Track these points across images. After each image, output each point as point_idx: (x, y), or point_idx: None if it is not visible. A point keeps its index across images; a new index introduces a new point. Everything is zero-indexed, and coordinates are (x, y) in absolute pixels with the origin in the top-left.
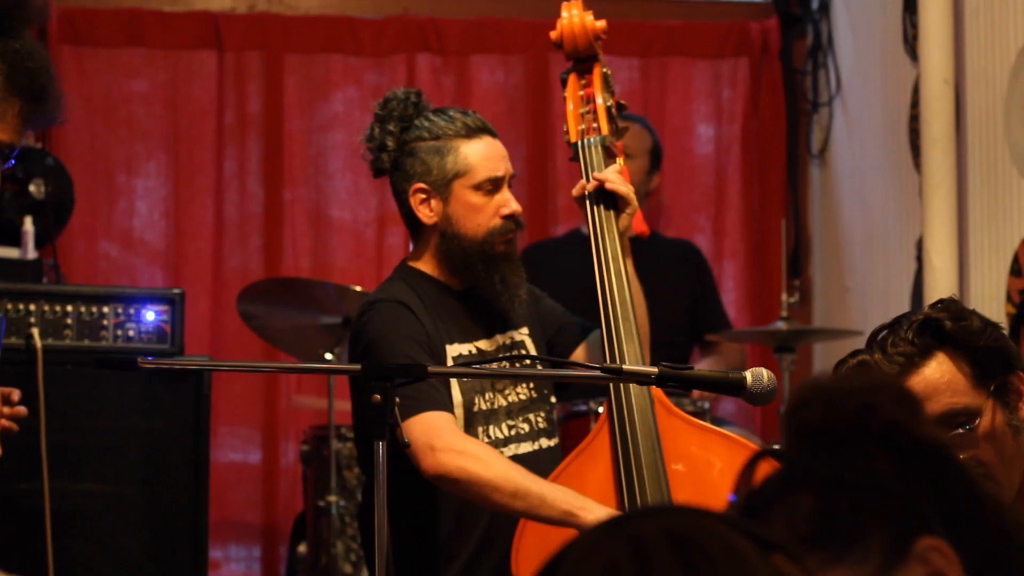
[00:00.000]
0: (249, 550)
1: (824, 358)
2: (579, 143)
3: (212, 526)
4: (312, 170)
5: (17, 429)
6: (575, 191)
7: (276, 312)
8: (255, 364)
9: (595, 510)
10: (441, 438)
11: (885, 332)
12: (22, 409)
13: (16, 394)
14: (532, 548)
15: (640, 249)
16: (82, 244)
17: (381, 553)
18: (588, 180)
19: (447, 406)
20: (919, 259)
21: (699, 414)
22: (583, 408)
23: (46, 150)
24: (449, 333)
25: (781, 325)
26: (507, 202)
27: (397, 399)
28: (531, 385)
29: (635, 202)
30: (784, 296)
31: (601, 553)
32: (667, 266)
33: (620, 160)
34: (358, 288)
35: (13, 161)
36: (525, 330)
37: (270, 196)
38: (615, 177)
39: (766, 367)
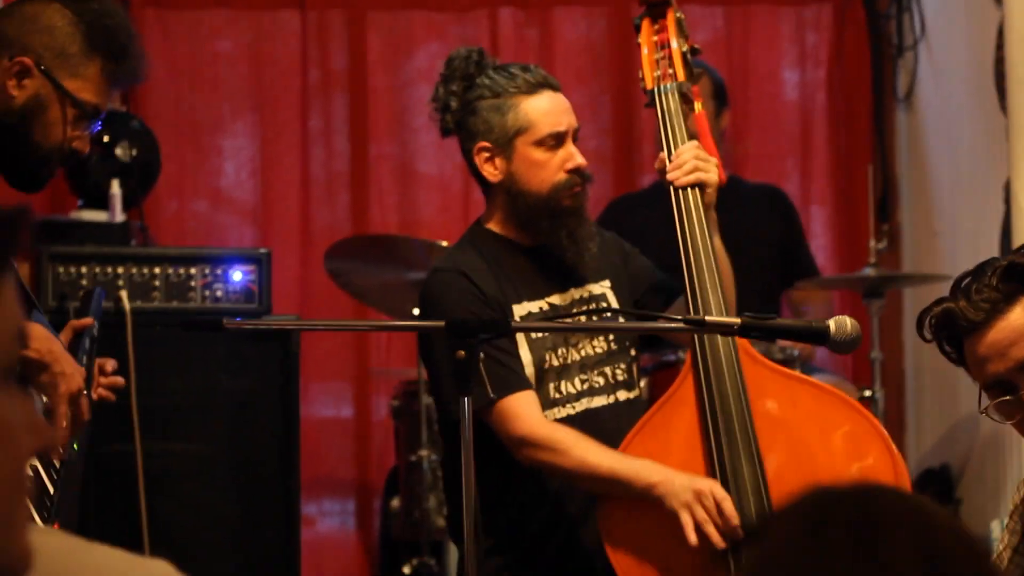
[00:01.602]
0: (343, 505)
1: (913, 303)
2: (655, 90)
3: (306, 482)
4: (397, 126)
5: (114, 399)
6: (657, 164)
7: (364, 269)
8: (336, 323)
9: (674, 480)
10: (518, 430)
11: (969, 279)
12: (119, 379)
13: (111, 364)
14: (614, 508)
15: (725, 196)
16: (170, 206)
17: (469, 510)
18: (664, 126)
19: (522, 383)
20: (1007, 202)
21: (787, 362)
22: (672, 358)
23: (132, 113)
24: (517, 293)
25: (870, 271)
26: (571, 156)
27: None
28: (609, 338)
29: (713, 178)
30: (872, 242)
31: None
32: (752, 213)
33: (698, 105)
34: (444, 243)
35: (100, 124)
36: (606, 283)
37: (356, 153)
38: (684, 170)
39: (855, 314)
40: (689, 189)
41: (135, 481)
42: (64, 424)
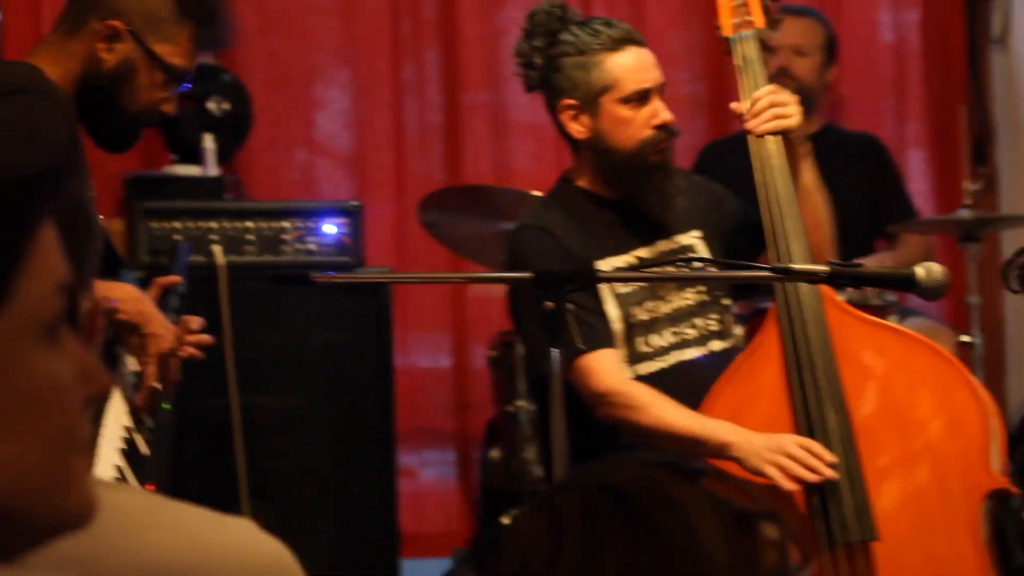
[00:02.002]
0: (443, 455)
1: (1012, 247)
2: (733, 38)
3: (405, 433)
4: (490, 75)
5: (202, 356)
6: (736, 110)
7: (457, 219)
8: (422, 275)
9: (751, 440)
10: (597, 386)
11: None
12: (206, 337)
13: (196, 322)
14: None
15: (821, 145)
16: (263, 159)
17: (559, 463)
18: (742, 76)
19: (603, 340)
20: None
21: (884, 308)
22: (767, 305)
23: (223, 67)
24: (603, 248)
25: (965, 213)
26: (657, 112)
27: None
28: (700, 288)
29: (793, 122)
30: (968, 184)
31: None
32: (847, 160)
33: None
34: (538, 193)
35: (189, 85)
36: (696, 233)
37: (449, 103)
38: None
39: (952, 258)
40: (770, 137)
41: (231, 436)
42: (155, 385)
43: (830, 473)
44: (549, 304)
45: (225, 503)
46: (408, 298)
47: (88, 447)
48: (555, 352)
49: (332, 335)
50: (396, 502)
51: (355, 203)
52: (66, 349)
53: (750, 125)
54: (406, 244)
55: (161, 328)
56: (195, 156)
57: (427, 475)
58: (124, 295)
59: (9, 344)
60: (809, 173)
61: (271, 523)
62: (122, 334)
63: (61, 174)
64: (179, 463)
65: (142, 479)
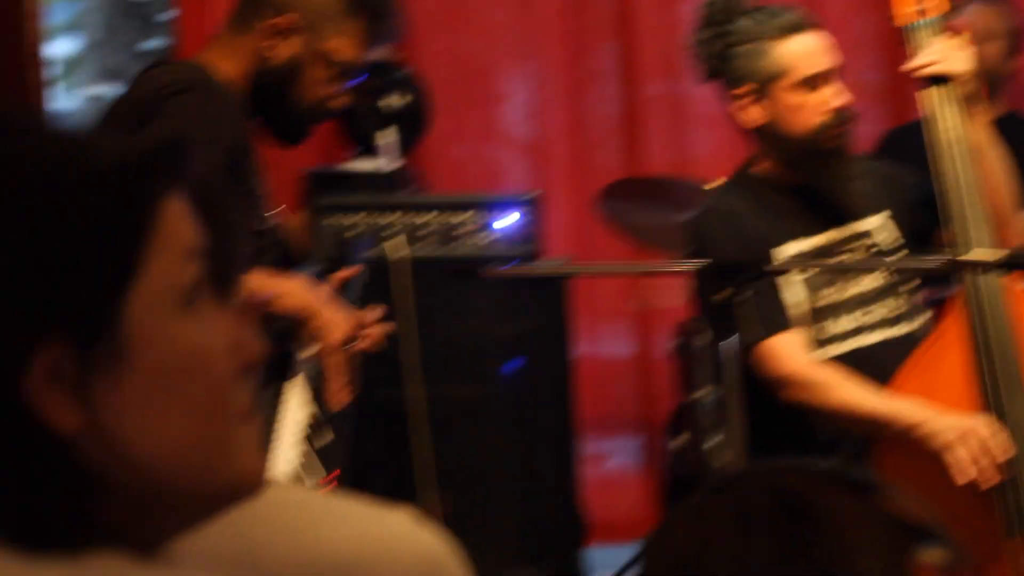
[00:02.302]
0: (630, 443)
1: None
2: (909, 27)
3: (591, 421)
4: (669, 66)
5: (381, 348)
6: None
7: (637, 210)
8: (593, 267)
9: (939, 419)
10: (780, 370)
11: None
12: (385, 327)
13: (374, 313)
14: (883, 451)
15: (1003, 130)
16: (443, 153)
17: (735, 451)
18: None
19: (785, 323)
20: None
21: None
22: (951, 293)
23: (402, 61)
24: (784, 233)
25: None
26: (832, 96)
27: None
28: (884, 274)
29: (957, 67)
30: None
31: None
32: None
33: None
34: (716, 183)
35: (359, 79)
36: (875, 219)
37: (628, 94)
38: (933, 58)
39: None
40: (934, 87)
41: (413, 428)
42: (336, 374)
43: (994, 480)
44: (722, 294)
45: (407, 494)
46: (593, 287)
47: (251, 416)
48: (731, 339)
49: (512, 326)
50: (578, 491)
51: (532, 194)
52: (210, 318)
53: (910, 66)
54: (586, 235)
55: (333, 320)
56: (375, 150)
57: (614, 463)
58: (295, 288)
59: (146, 316)
60: (982, 131)
61: (453, 513)
62: (296, 326)
63: (181, 152)
64: (361, 454)
65: (323, 468)
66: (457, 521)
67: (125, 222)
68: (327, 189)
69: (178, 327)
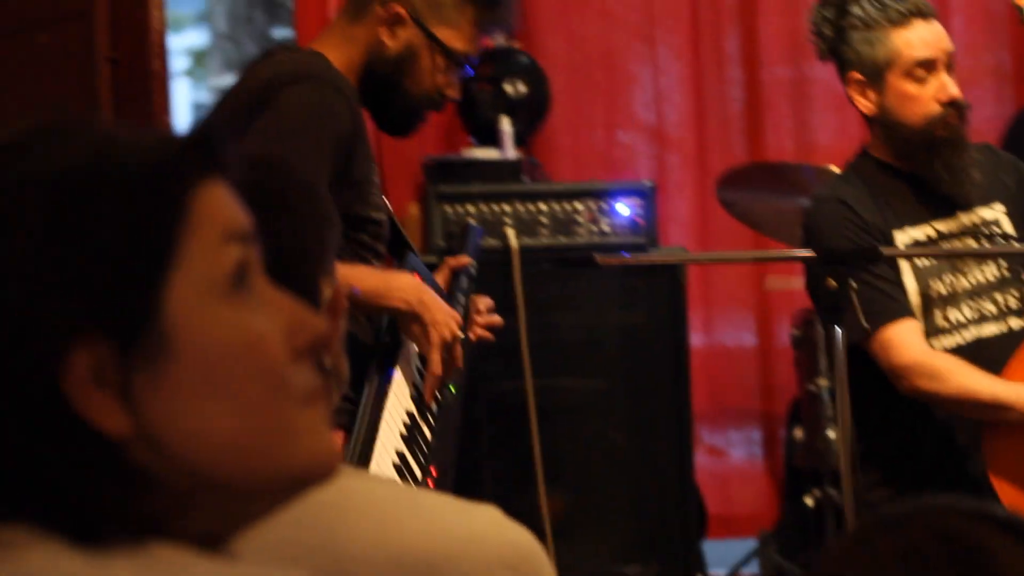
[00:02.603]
0: (749, 435)
1: None
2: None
3: (711, 413)
4: (792, 50)
5: (492, 338)
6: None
7: (758, 197)
8: (706, 255)
9: None
10: (899, 359)
11: None
12: (496, 318)
13: (485, 303)
14: (999, 437)
15: None
16: (563, 141)
17: (844, 443)
18: None
19: (903, 311)
20: None
21: None
22: None
23: (520, 49)
24: (901, 219)
25: None
26: (944, 87)
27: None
28: (1001, 264)
29: None
30: None
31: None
32: None
33: None
34: (836, 169)
35: (472, 70)
36: (999, 207)
37: (750, 79)
38: None
39: None
40: None
41: (527, 417)
42: (437, 372)
43: None
44: (831, 283)
45: (520, 486)
46: (712, 275)
47: (316, 398)
48: (841, 329)
49: (627, 316)
50: (695, 484)
51: (648, 183)
52: (261, 302)
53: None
54: (706, 223)
55: (442, 315)
56: (494, 139)
57: (734, 455)
58: (404, 284)
59: (188, 306)
60: None
61: (567, 505)
62: (403, 323)
63: (214, 140)
64: (474, 446)
65: (425, 463)
66: (570, 514)
67: (156, 215)
68: (446, 177)
69: (223, 313)
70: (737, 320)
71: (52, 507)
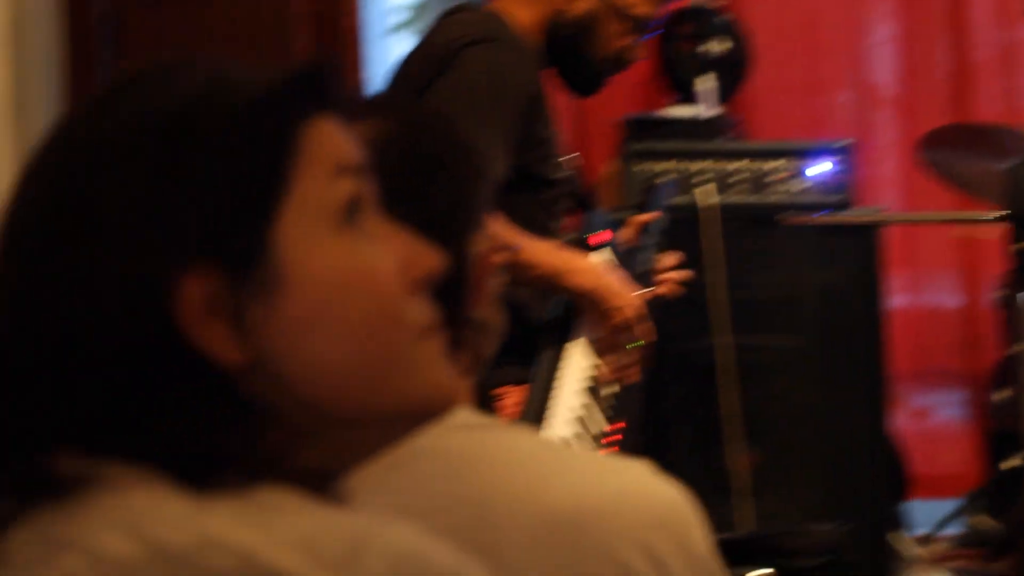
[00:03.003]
0: (954, 396)
1: None
2: None
3: (914, 373)
4: (1001, 14)
5: (681, 291)
6: None
7: (962, 158)
8: (909, 216)
9: None
10: None
11: None
12: (684, 273)
13: (671, 259)
14: None
15: None
16: (765, 100)
17: None
18: None
19: None
20: None
21: None
22: None
23: (724, 7)
24: None
25: None
26: None
27: None
28: None
29: None
30: None
31: None
32: None
33: None
34: None
35: (655, 31)
36: None
37: (960, 42)
38: None
39: None
40: None
41: (721, 379)
42: (613, 358)
43: None
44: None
45: (714, 445)
46: (916, 237)
47: (430, 332)
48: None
49: (824, 275)
50: (895, 444)
51: (846, 142)
52: (375, 236)
53: None
54: (916, 183)
55: (620, 300)
56: (694, 97)
57: (937, 416)
58: (585, 267)
59: (299, 238)
60: None
61: (761, 464)
62: (584, 305)
63: (324, 75)
64: (665, 404)
65: (606, 419)
66: (762, 472)
67: (265, 147)
68: (644, 136)
69: (335, 245)
70: (942, 280)
71: (161, 444)
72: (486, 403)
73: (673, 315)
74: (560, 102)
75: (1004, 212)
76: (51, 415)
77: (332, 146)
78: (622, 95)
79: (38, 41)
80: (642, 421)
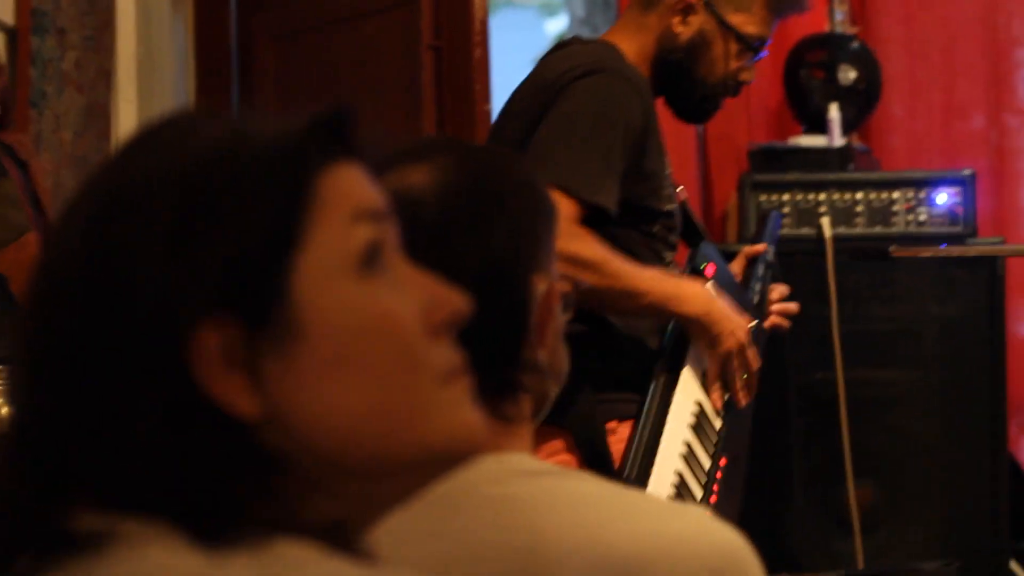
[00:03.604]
0: None
1: None
2: None
3: None
4: None
5: (788, 325)
6: None
7: None
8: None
9: None
10: None
11: None
12: (791, 306)
13: (779, 290)
14: None
15: None
16: (897, 128)
17: None
18: None
19: None
20: None
21: None
22: None
23: (855, 35)
24: None
25: None
26: None
27: None
28: None
29: None
30: None
31: None
32: None
33: None
34: None
35: (763, 53)
36: None
37: None
38: None
39: None
40: None
41: (838, 409)
42: (717, 385)
43: None
44: None
45: (830, 478)
46: None
47: (454, 376)
48: None
49: (943, 308)
50: (1007, 481)
51: (967, 171)
52: (396, 279)
53: None
54: None
55: (729, 327)
56: (824, 126)
57: None
58: (694, 294)
59: (317, 286)
60: None
61: (876, 500)
62: (690, 331)
63: (343, 121)
64: (784, 436)
65: (716, 453)
66: (879, 507)
67: (281, 197)
68: (771, 165)
69: (354, 292)
70: None
71: (178, 497)
72: (601, 436)
73: (796, 347)
74: (687, 132)
75: None
76: (69, 469)
77: (350, 193)
78: (749, 124)
79: (167, 76)
80: (750, 453)
